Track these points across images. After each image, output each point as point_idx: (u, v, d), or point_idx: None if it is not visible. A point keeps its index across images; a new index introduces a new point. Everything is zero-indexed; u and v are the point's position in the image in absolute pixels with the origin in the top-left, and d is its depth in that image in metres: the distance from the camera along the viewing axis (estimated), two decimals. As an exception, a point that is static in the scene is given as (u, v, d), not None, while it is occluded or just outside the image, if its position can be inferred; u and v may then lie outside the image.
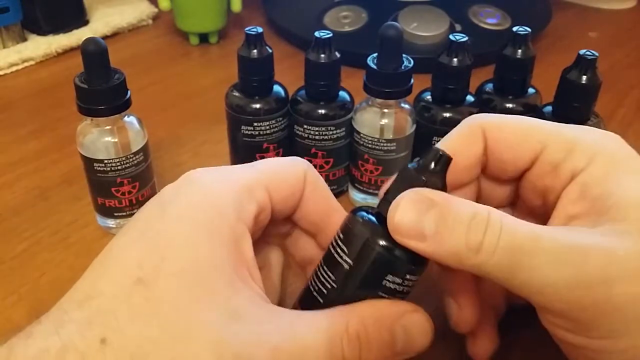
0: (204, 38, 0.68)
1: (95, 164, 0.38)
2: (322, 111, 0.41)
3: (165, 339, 0.22)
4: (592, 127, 0.28)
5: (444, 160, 0.25)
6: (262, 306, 0.24)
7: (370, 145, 0.41)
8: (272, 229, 0.29)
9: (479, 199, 0.31)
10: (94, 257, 0.24)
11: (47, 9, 0.65)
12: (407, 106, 0.41)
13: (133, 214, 0.32)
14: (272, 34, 0.68)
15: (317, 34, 0.39)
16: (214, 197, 0.25)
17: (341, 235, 0.26)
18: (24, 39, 0.65)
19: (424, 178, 0.25)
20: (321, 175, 0.43)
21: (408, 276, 0.25)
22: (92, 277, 0.24)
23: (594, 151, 0.26)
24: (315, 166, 0.42)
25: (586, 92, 0.38)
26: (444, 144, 0.28)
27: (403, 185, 0.25)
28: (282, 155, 0.43)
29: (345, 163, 0.44)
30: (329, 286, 0.25)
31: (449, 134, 0.29)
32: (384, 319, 0.24)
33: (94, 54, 0.35)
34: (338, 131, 0.41)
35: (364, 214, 0.26)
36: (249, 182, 0.26)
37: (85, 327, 0.22)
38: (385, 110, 0.40)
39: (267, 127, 0.41)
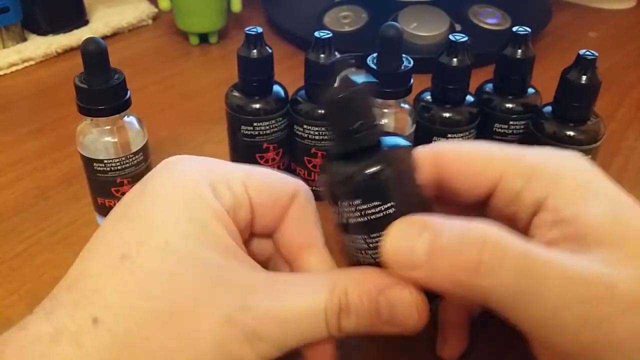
0: (204, 38, 0.68)
1: (95, 164, 0.38)
2: (322, 111, 0.41)
3: (157, 311, 0.22)
4: (553, 149, 0.27)
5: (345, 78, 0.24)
6: (252, 273, 0.25)
7: (370, 145, 0.41)
8: (256, 248, 0.30)
9: None
10: (94, 257, 0.24)
11: (47, 9, 0.65)
12: (407, 106, 0.41)
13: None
14: (272, 34, 0.68)
15: (317, 34, 0.39)
16: (190, 179, 0.25)
17: (356, 201, 0.24)
18: (24, 39, 0.65)
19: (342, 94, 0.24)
20: (321, 175, 0.43)
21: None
22: (80, 261, 0.24)
23: (557, 176, 0.25)
24: (315, 166, 0.43)
25: (586, 92, 0.38)
26: None
27: (338, 111, 0.24)
28: (282, 155, 0.43)
29: (345, 163, 0.43)
30: None
31: None
32: (368, 288, 0.24)
33: (94, 54, 0.35)
34: (338, 131, 0.41)
35: (340, 162, 0.25)
36: (226, 172, 0.27)
37: (74, 310, 0.22)
38: (385, 110, 0.40)
39: (267, 127, 0.41)
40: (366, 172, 0.24)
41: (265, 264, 0.30)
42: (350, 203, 0.24)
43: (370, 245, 0.25)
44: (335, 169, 0.25)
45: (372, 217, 0.24)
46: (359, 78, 0.24)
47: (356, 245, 0.25)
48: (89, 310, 0.22)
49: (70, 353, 0.21)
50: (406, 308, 0.24)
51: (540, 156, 0.26)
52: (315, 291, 0.24)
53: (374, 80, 0.25)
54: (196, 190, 0.25)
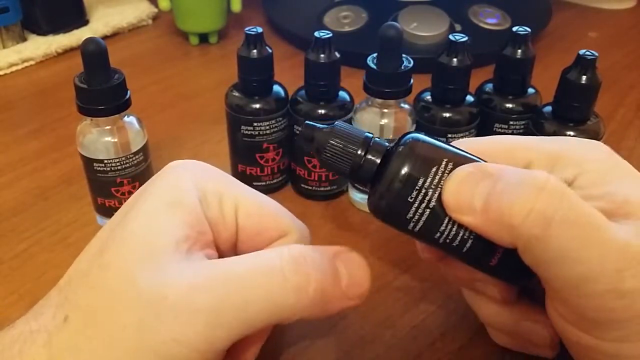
0: (204, 38, 0.68)
1: (95, 164, 0.38)
2: (322, 111, 0.41)
3: (105, 304, 0.22)
4: (574, 137, 0.27)
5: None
6: (209, 265, 0.24)
7: (370, 145, 0.40)
8: None
9: None
10: (93, 257, 0.24)
11: (47, 9, 0.65)
12: (407, 106, 0.41)
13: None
14: (272, 34, 0.68)
15: (317, 34, 0.39)
16: (183, 182, 0.25)
17: (418, 185, 0.24)
18: (24, 39, 0.65)
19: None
20: (320, 175, 0.43)
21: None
22: (74, 262, 0.25)
23: (582, 160, 0.25)
24: (315, 166, 0.43)
25: (586, 92, 0.38)
26: None
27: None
28: (282, 155, 0.43)
29: (345, 163, 0.43)
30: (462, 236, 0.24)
31: None
32: (324, 250, 0.24)
33: (94, 54, 0.35)
34: (338, 131, 0.41)
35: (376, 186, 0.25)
36: (221, 187, 0.26)
37: (57, 309, 0.23)
38: (385, 111, 0.40)
39: (267, 127, 0.41)
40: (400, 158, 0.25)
41: None
42: (416, 194, 0.24)
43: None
44: (379, 193, 0.25)
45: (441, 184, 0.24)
46: (318, 124, 0.27)
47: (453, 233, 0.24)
48: (65, 309, 0.22)
49: (41, 352, 0.22)
50: (360, 265, 0.25)
51: (564, 143, 0.27)
52: (268, 253, 0.24)
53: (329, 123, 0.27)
54: (182, 191, 0.25)
